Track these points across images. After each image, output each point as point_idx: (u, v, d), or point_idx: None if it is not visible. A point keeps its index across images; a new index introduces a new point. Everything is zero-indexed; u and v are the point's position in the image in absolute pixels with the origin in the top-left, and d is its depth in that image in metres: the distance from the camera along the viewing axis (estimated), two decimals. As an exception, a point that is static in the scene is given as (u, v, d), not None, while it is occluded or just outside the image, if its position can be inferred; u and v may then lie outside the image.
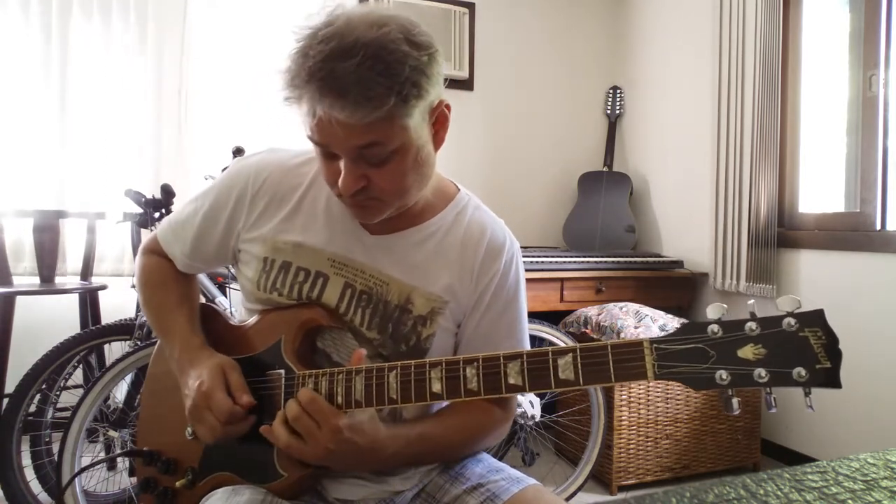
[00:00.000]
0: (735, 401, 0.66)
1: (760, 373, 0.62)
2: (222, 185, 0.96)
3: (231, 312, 1.89)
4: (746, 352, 0.63)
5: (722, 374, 0.64)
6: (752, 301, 0.67)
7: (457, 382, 0.74)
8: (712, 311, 0.65)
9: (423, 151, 0.82)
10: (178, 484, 0.91)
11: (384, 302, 0.89)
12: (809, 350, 0.61)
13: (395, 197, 0.82)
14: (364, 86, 0.71)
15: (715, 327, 0.65)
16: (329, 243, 0.90)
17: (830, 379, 0.61)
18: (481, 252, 0.93)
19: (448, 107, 0.84)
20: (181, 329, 0.94)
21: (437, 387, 0.75)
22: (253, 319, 0.94)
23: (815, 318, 0.62)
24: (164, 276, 1.02)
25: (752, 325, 0.63)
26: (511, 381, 0.72)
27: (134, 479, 1.87)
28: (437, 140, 0.86)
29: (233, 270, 1.00)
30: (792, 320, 0.62)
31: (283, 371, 0.86)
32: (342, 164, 0.77)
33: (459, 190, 0.99)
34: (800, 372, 0.61)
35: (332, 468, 0.86)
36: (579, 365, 0.69)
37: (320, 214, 0.92)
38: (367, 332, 0.89)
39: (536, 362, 0.71)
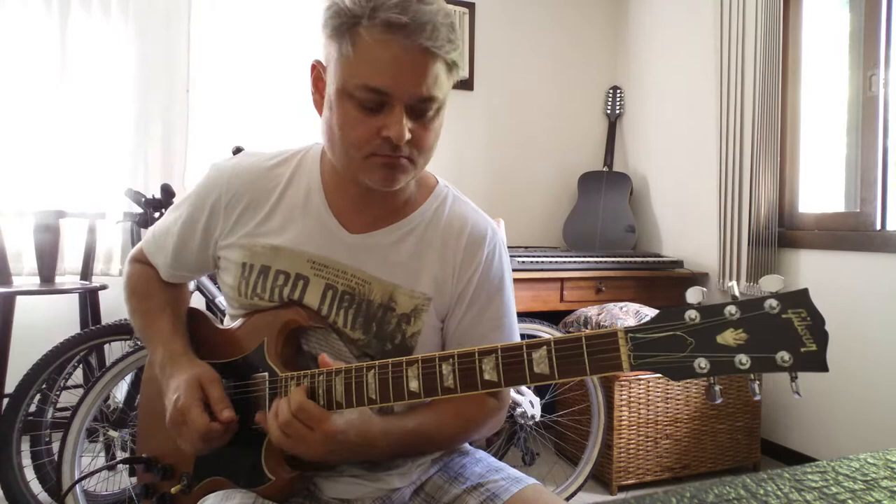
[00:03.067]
0: (717, 389, 0.63)
1: (742, 359, 0.59)
2: (197, 194, 0.95)
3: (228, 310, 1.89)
4: (726, 337, 0.60)
5: (701, 363, 0.60)
6: (731, 283, 0.64)
7: (433, 380, 0.73)
8: (691, 295, 0.63)
9: (443, 118, 0.84)
10: (173, 490, 0.91)
11: (367, 301, 0.88)
12: (793, 333, 0.58)
13: (423, 157, 0.83)
14: (449, 28, 0.77)
15: (692, 313, 0.61)
16: (308, 244, 0.89)
17: (816, 363, 0.57)
18: (462, 245, 0.92)
19: None
20: (163, 335, 0.94)
21: (413, 385, 0.74)
22: (236, 323, 0.94)
23: (799, 299, 0.58)
24: (148, 285, 1.01)
25: (731, 308, 0.60)
26: (486, 377, 0.70)
27: (134, 480, 1.87)
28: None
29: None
30: (774, 302, 0.59)
31: (266, 374, 0.86)
32: (393, 113, 0.76)
33: (438, 182, 0.97)
34: (783, 356, 0.58)
35: (325, 462, 0.86)
36: (554, 358, 0.67)
37: (297, 215, 0.90)
38: (352, 333, 0.88)
39: (511, 357, 0.70)
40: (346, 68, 0.76)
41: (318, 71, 0.85)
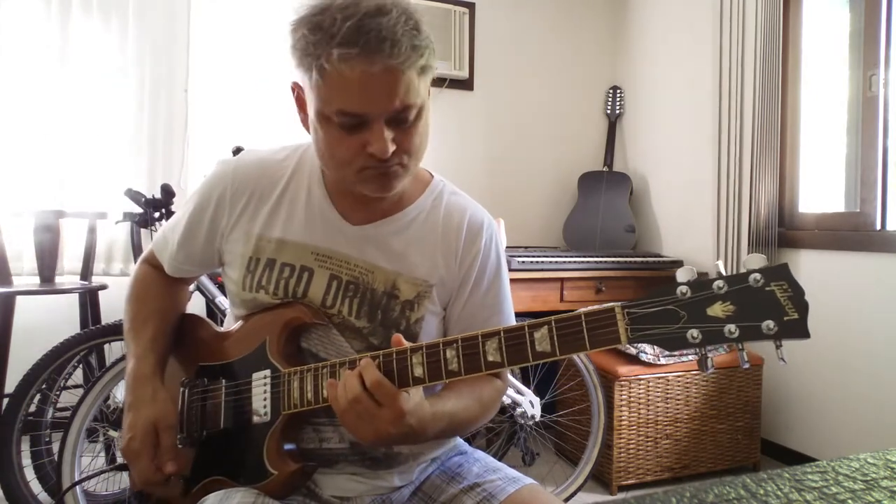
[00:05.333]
0: (710, 360, 0.67)
1: (731, 328, 0.63)
2: (204, 188, 0.97)
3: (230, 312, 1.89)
4: (716, 309, 0.64)
5: (693, 333, 0.65)
6: (719, 262, 0.68)
7: (438, 365, 0.75)
8: (682, 274, 0.66)
9: (428, 118, 0.85)
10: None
11: (371, 290, 0.90)
12: (777, 303, 0.62)
13: (414, 160, 0.84)
14: (409, 36, 0.76)
15: (684, 288, 0.66)
16: (311, 237, 0.91)
17: (798, 330, 0.61)
18: (462, 234, 0.95)
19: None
20: (138, 348, 0.93)
21: (418, 371, 0.75)
22: (237, 325, 0.94)
23: (780, 272, 0.63)
24: (146, 289, 1.01)
25: (719, 283, 0.64)
26: (490, 358, 0.73)
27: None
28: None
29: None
30: (758, 275, 0.63)
31: (268, 371, 0.87)
32: (373, 130, 0.78)
33: (433, 176, 1.00)
34: (769, 325, 0.62)
35: (370, 447, 0.87)
36: (555, 336, 0.70)
37: (300, 209, 0.92)
38: (357, 322, 0.90)
39: (513, 338, 0.72)
40: (319, 96, 0.78)
41: (297, 91, 0.87)
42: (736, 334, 0.63)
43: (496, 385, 0.95)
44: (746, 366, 0.66)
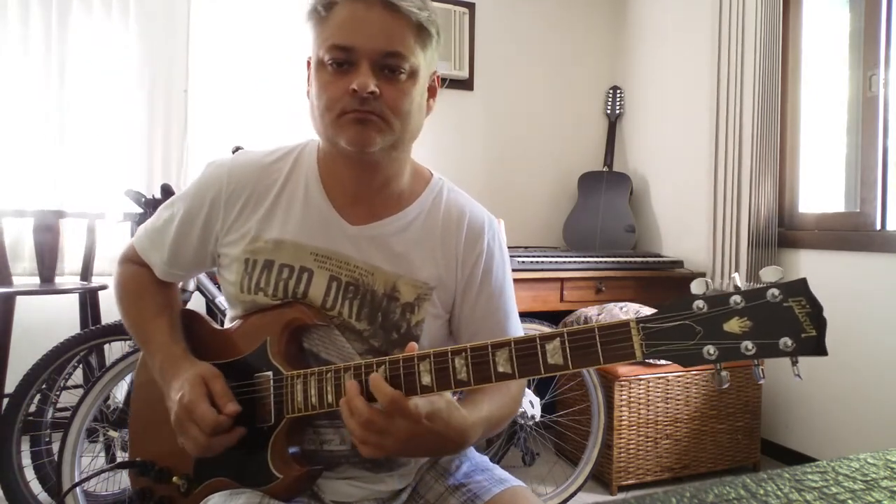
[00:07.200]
0: (725, 374, 0.66)
1: (747, 345, 0.62)
2: (196, 189, 0.94)
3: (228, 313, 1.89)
4: (732, 325, 0.63)
5: (709, 350, 0.64)
6: (735, 274, 0.67)
7: (446, 374, 0.74)
8: (696, 286, 0.65)
9: (422, 96, 0.87)
10: (174, 479, 0.90)
11: (371, 292, 0.89)
12: (794, 320, 0.61)
13: (395, 118, 0.83)
14: None
15: (700, 303, 0.64)
16: (310, 237, 0.90)
17: (816, 347, 0.61)
18: (462, 235, 0.94)
19: (439, 79, 0.91)
20: (161, 338, 0.92)
21: (426, 379, 0.74)
22: (236, 323, 0.93)
23: (799, 288, 0.62)
24: (142, 285, 0.99)
25: (736, 298, 0.63)
26: (500, 369, 0.72)
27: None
28: (428, 106, 0.91)
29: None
30: (776, 291, 0.62)
31: (270, 373, 0.86)
32: (359, 69, 0.80)
33: (433, 175, 0.99)
34: (786, 342, 0.61)
35: (408, 457, 0.88)
36: (567, 349, 0.69)
37: (298, 209, 0.91)
38: (357, 324, 0.88)
39: (525, 349, 0.71)
40: (318, 38, 0.83)
41: (309, 66, 0.89)
42: (753, 351, 0.62)
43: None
44: (762, 381, 0.66)
